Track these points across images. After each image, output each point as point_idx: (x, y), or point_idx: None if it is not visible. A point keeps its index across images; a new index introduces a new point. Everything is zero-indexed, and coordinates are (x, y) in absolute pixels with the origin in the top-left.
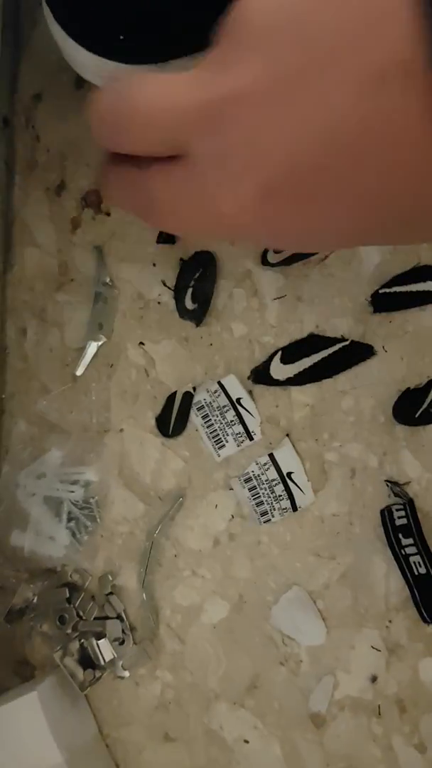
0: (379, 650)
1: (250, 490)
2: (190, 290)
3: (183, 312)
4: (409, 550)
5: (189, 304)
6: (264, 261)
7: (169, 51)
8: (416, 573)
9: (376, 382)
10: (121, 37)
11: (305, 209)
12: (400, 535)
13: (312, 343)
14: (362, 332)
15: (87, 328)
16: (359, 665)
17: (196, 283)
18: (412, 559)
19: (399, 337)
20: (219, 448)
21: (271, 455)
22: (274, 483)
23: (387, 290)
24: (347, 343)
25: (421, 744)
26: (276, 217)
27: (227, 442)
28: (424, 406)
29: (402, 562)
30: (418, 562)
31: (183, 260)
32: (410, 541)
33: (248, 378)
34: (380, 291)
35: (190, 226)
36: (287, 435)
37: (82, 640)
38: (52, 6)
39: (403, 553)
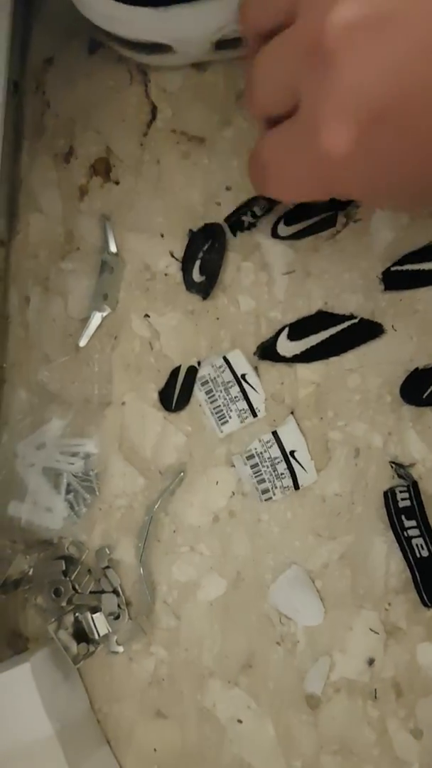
0: (377, 633)
1: (252, 467)
2: (198, 262)
3: (190, 284)
4: (412, 532)
5: (197, 276)
6: (274, 234)
7: None
8: (418, 556)
9: (384, 361)
10: None
11: (410, 139)
12: (403, 517)
13: (320, 320)
14: (372, 310)
15: (91, 298)
16: (356, 647)
17: (205, 255)
18: (414, 541)
19: (409, 315)
20: (222, 424)
21: (274, 433)
22: (276, 461)
23: (399, 268)
24: (356, 321)
25: (416, 729)
26: (381, 149)
27: (230, 418)
28: None
29: (404, 544)
30: (421, 545)
31: (192, 231)
32: (413, 523)
33: (254, 354)
34: (392, 268)
35: (297, 179)
36: (291, 412)
37: (77, 614)
38: None
39: (406, 535)
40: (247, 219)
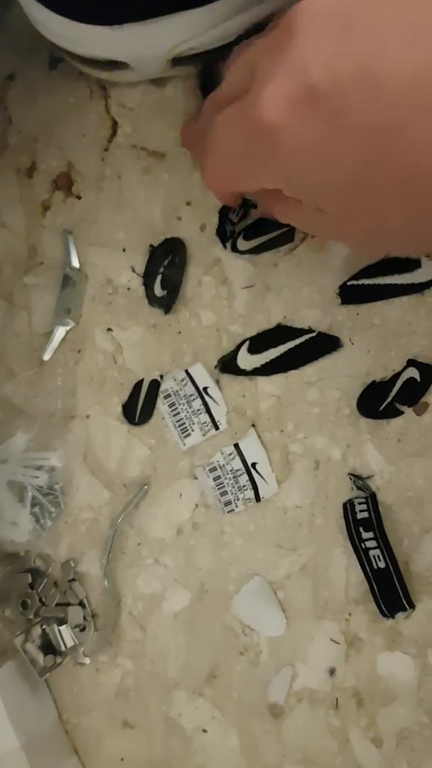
0: (338, 643)
1: (214, 479)
2: (159, 277)
3: (152, 299)
4: (369, 543)
5: (158, 290)
6: (234, 248)
7: (123, 15)
8: (375, 567)
9: (342, 374)
10: None
11: (338, 128)
12: (361, 529)
13: (279, 333)
14: (329, 324)
15: (54, 312)
16: (318, 657)
17: (166, 269)
18: (371, 552)
19: (366, 329)
20: (185, 437)
21: (236, 445)
22: (238, 473)
23: (355, 282)
24: (314, 334)
25: (377, 737)
26: (310, 132)
27: (193, 431)
28: (389, 399)
29: (362, 555)
30: (378, 556)
31: (153, 246)
32: (371, 534)
33: (215, 367)
34: (348, 283)
35: (230, 148)
36: (253, 425)
37: (44, 626)
38: None
39: (364, 546)
40: (230, 228)
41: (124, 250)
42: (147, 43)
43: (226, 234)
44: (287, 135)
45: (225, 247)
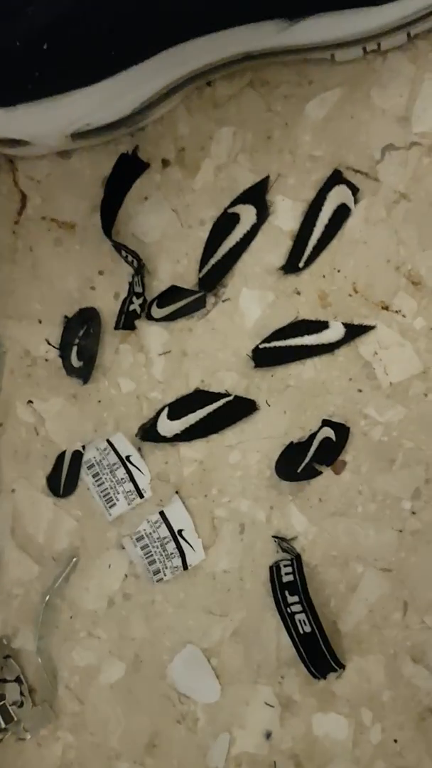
0: (273, 706)
1: (142, 548)
2: (75, 348)
3: (70, 370)
4: (295, 608)
5: (75, 362)
6: (149, 316)
7: (15, 97)
8: (301, 632)
9: (261, 436)
10: None
11: None
12: (287, 593)
13: (197, 398)
14: (246, 385)
15: None
16: (254, 721)
17: (81, 340)
18: (297, 617)
19: (281, 391)
20: (110, 507)
21: (161, 513)
22: (165, 541)
23: (266, 345)
24: (231, 398)
25: None
26: None
27: (118, 500)
28: (307, 460)
29: (288, 621)
30: (303, 620)
31: (67, 318)
32: (296, 599)
33: (137, 435)
34: (260, 346)
35: None
36: (177, 492)
37: None
38: None
39: (289, 611)
40: (135, 304)
41: (40, 321)
42: (42, 121)
43: (132, 317)
44: None
45: (118, 327)
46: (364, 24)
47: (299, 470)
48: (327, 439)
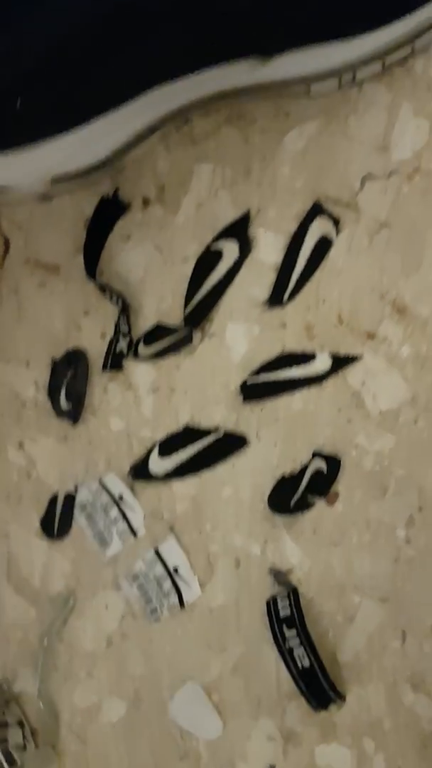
0: (275, 739)
1: (138, 587)
2: (63, 390)
3: (59, 412)
4: (293, 642)
5: (64, 404)
6: (136, 354)
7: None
8: (300, 667)
9: (253, 470)
10: None
11: None
12: (284, 627)
13: (187, 435)
14: (236, 419)
15: None
16: (257, 755)
17: (69, 382)
18: (296, 652)
19: (271, 424)
20: (104, 547)
21: (156, 550)
22: (161, 579)
23: (254, 379)
24: (221, 434)
25: None
26: None
27: (112, 540)
28: (299, 493)
29: (286, 656)
30: (302, 655)
31: (54, 361)
32: (293, 633)
33: (128, 474)
34: (248, 381)
35: None
36: (171, 529)
37: None
38: None
39: (288, 646)
40: (122, 344)
41: (28, 363)
42: (19, 169)
43: (120, 358)
44: None
45: (106, 368)
46: (339, 56)
47: (292, 504)
48: (318, 471)
